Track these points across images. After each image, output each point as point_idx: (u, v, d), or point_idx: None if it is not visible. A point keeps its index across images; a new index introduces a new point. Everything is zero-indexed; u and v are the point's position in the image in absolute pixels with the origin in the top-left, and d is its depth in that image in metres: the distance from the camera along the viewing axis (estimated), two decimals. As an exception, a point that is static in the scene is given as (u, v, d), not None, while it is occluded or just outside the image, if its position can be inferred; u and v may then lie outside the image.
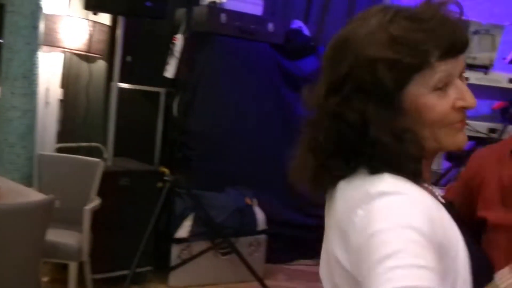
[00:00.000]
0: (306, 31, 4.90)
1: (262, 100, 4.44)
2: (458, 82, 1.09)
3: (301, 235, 4.59)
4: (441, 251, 0.98)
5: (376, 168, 1.07)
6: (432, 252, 0.93)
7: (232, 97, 4.31)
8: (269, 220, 4.21)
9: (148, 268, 3.76)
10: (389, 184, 1.04)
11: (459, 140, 1.11)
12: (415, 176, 1.07)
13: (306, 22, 5.18)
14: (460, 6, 1.13)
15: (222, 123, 4.28)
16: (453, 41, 1.06)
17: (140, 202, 3.70)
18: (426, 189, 1.10)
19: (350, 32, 1.11)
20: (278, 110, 4.54)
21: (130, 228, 3.63)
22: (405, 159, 1.06)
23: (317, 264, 4.50)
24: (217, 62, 4.21)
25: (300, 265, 4.47)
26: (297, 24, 4.92)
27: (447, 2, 1.12)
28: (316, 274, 4.45)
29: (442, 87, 1.07)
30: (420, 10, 1.10)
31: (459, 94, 1.08)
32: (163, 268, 3.81)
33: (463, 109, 1.09)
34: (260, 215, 4.15)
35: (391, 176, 1.05)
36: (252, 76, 4.38)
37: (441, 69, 1.06)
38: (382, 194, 1.01)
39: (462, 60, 1.10)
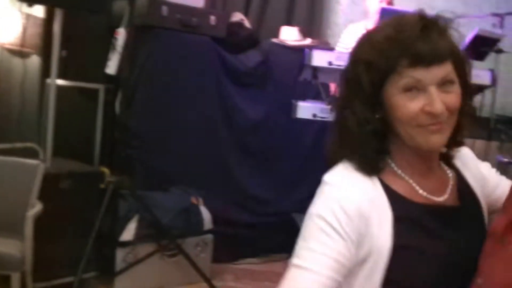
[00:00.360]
0: (247, 24, 4.90)
1: (205, 95, 4.42)
2: (432, 90, 1.24)
3: (245, 233, 4.61)
4: (359, 239, 1.23)
5: (343, 155, 1.34)
6: (336, 241, 1.21)
7: (175, 93, 4.26)
8: (214, 219, 4.19)
9: (92, 273, 3.67)
10: (334, 175, 1.32)
11: (432, 142, 1.27)
12: (370, 165, 1.31)
13: (246, 14, 5.18)
14: (445, 24, 1.30)
15: (164, 120, 4.23)
16: (420, 53, 1.23)
17: (82, 205, 3.61)
18: (396, 180, 1.32)
19: (367, 32, 1.34)
20: (221, 105, 4.53)
21: (72, 233, 3.54)
22: (363, 146, 1.30)
23: (263, 263, 4.54)
24: (159, 56, 4.14)
25: (246, 264, 4.48)
26: (238, 16, 4.90)
27: (436, 18, 1.29)
28: (263, 273, 4.48)
29: (412, 91, 1.25)
30: (407, 21, 1.28)
31: (428, 100, 1.24)
32: (108, 273, 3.73)
33: (430, 114, 1.24)
34: (206, 214, 4.13)
35: (345, 166, 1.32)
36: (194, 71, 4.34)
37: (409, 75, 1.24)
38: (325, 183, 1.31)
39: (440, 70, 1.24)
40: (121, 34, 3.59)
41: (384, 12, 3.42)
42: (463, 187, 1.38)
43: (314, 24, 5.65)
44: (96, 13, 3.82)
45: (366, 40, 1.31)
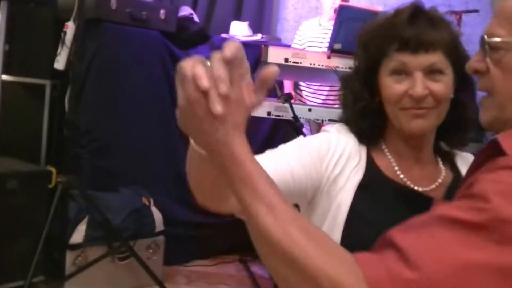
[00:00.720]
0: (196, 18, 4.95)
1: (155, 92, 4.43)
2: (417, 75, 1.38)
3: (196, 234, 4.66)
4: (323, 174, 1.41)
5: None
6: (305, 152, 1.41)
7: (124, 89, 4.26)
8: (164, 220, 4.23)
9: (40, 278, 3.65)
10: (330, 126, 1.55)
11: (413, 126, 1.40)
12: (361, 135, 1.49)
13: (194, 8, 5.23)
14: (438, 16, 1.44)
15: (113, 118, 4.23)
16: (406, 38, 1.38)
17: (30, 206, 3.58)
18: (382, 157, 1.48)
19: (372, 19, 1.53)
20: (171, 102, 4.54)
21: (20, 235, 3.51)
22: (357, 121, 1.49)
23: (215, 264, 4.60)
24: (108, 51, 4.14)
25: (198, 266, 4.53)
26: (187, 10, 4.95)
27: (429, 10, 1.44)
28: (216, 275, 4.56)
29: (401, 75, 1.40)
30: (402, 10, 1.44)
31: (412, 84, 1.38)
32: (57, 277, 3.72)
33: (412, 97, 1.38)
34: (157, 215, 4.16)
35: (342, 125, 1.54)
36: (144, 67, 4.35)
37: (397, 59, 1.40)
38: (321, 130, 1.57)
39: (427, 58, 1.38)
40: (70, 28, 3.60)
41: (341, 9, 3.54)
42: (456, 188, 1.46)
43: (264, 19, 5.76)
44: (41, 5, 3.80)
45: (367, 26, 1.50)
